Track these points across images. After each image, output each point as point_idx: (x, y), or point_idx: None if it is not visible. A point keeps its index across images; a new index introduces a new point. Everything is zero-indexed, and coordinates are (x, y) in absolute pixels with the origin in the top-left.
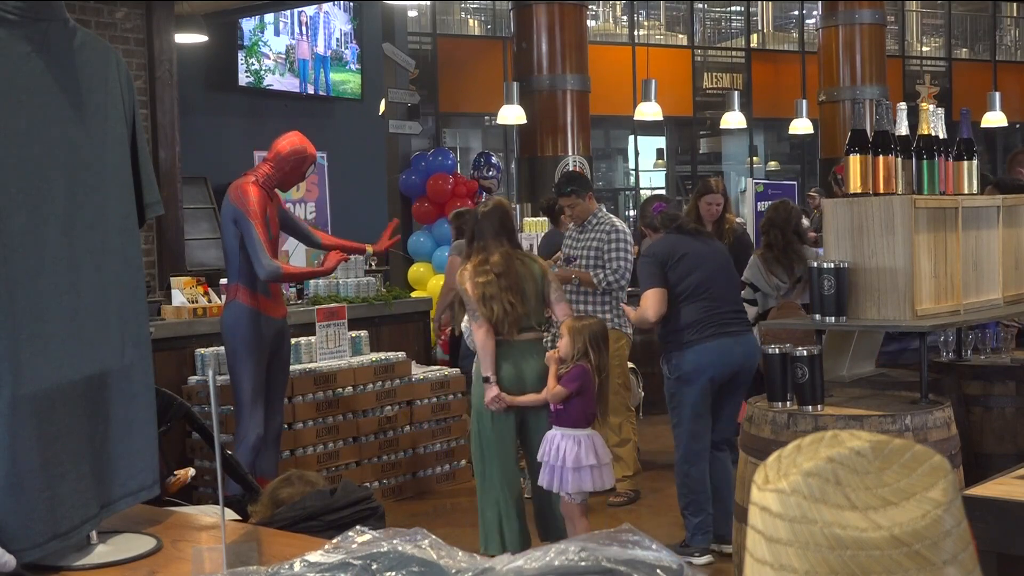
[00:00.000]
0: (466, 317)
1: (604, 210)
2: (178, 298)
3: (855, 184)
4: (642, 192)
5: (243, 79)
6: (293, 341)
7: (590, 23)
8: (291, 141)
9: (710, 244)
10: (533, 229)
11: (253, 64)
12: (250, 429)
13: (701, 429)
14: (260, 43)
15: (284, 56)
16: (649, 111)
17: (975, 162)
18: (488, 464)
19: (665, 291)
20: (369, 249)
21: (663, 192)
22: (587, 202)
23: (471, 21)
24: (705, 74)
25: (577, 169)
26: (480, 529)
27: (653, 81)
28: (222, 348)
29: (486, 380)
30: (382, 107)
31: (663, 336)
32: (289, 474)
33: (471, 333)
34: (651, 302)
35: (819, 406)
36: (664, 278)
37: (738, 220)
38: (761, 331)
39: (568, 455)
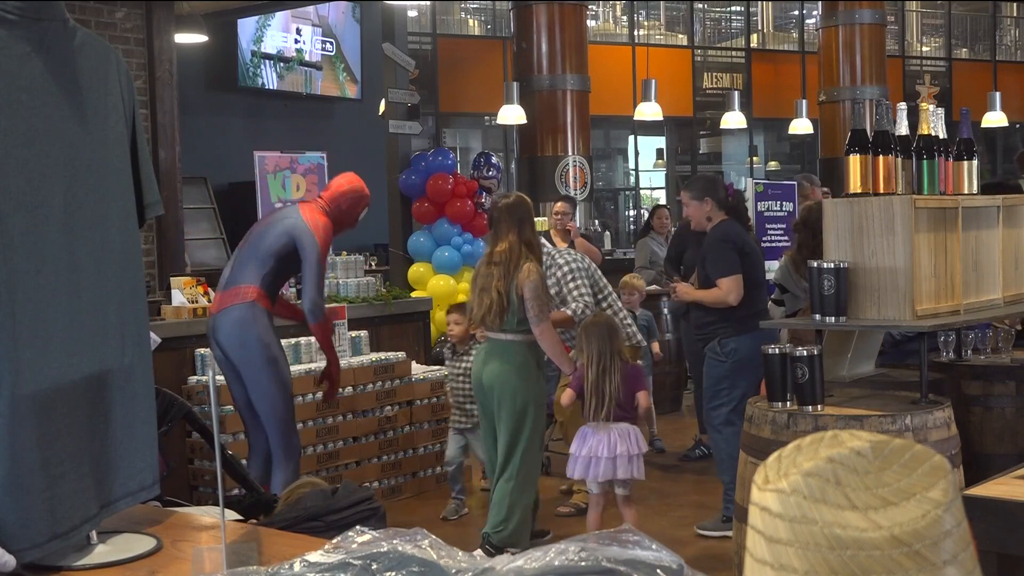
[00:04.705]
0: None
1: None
2: (178, 298)
3: (855, 184)
4: (642, 192)
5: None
6: (293, 341)
7: (590, 23)
8: (349, 179)
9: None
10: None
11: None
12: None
13: None
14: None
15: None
16: (649, 111)
17: (975, 162)
18: (534, 454)
19: (742, 277)
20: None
21: (662, 192)
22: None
23: (471, 21)
24: (705, 74)
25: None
26: (512, 521)
27: (653, 81)
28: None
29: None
30: (382, 107)
31: (718, 320)
32: (303, 482)
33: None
34: (735, 287)
35: (819, 406)
36: (741, 264)
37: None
38: (788, 333)
39: (599, 447)
